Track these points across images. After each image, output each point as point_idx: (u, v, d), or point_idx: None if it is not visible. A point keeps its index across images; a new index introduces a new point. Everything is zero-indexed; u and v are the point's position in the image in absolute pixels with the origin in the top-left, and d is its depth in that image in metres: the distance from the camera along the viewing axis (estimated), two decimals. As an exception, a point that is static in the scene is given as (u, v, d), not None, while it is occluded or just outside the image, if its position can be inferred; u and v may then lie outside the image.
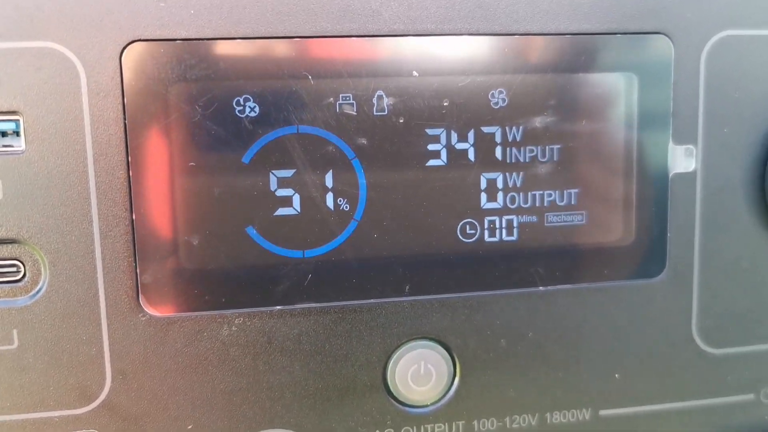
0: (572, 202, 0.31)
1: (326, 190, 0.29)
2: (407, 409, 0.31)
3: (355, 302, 0.29)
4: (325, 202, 0.29)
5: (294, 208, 0.29)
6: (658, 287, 0.31)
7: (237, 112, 0.28)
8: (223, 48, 0.27)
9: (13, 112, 0.26)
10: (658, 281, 0.31)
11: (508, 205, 0.30)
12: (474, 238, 0.30)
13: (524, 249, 0.30)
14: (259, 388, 0.29)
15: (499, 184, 0.30)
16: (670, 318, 0.32)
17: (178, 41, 0.27)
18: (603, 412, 0.32)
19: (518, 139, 0.30)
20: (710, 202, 0.31)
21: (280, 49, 0.28)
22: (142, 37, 0.27)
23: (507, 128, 0.30)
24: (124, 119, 0.27)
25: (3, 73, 0.26)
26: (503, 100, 0.29)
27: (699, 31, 0.30)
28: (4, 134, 0.27)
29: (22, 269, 0.27)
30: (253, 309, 0.29)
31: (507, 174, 0.30)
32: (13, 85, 0.26)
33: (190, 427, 0.29)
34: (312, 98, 0.28)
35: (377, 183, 0.29)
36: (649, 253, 0.31)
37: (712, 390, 0.33)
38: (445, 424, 0.31)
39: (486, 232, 0.30)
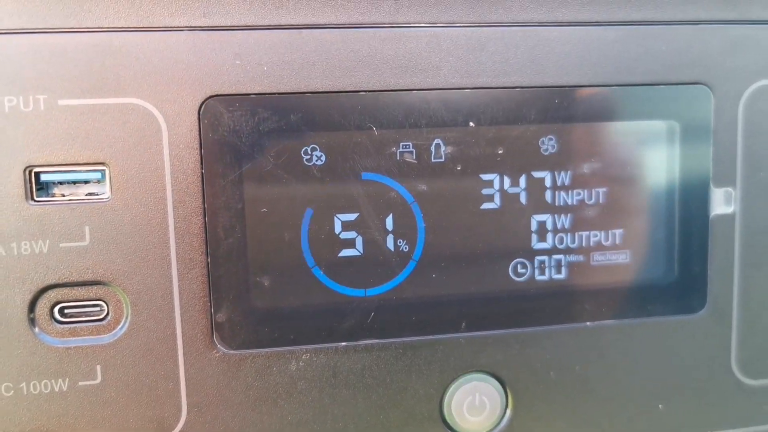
0: (617, 242, 0.32)
1: (387, 232, 0.31)
2: (462, 438, 0.32)
3: (415, 338, 0.31)
4: (385, 243, 0.31)
5: (357, 250, 0.31)
6: (699, 322, 0.33)
7: (305, 161, 0.30)
8: (293, 102, 0.29)
9: (101, 163, 0.28)
10: (699, 317, 0.33)
11: (557, 245, 0.32)
12: (525, 277, 0.32)
13: (572, 287, 0.32)
14: (324, 420, 0.31)
15: (549, 226, 0.32)
16: (710, 351, 0.33)
17: (252, 96, 0.29)
18: (647, 441, 0.34)
19: (567, 183, 0.32)
20: (748, 242, 0.33)
21: (346, 102, 0.30)
22: (219, 93, 0.29)
23: (556, 173, 0.31)
24: (202, 169, 0.29)
25: (91, 127, 0.28)
26: (553, 146, 0.31)
27: (737, 81, 0.32)
28: (88, 182, 0.29)
29: (106, 309, 0.29)
30: (320, 345, 0.31)
31: (556, 216, 0.32)
32: (100, 138, 0.28)
33: (259, 456, 0.31)
34: (375, 147, 0.30)
35: (435, 226, 0.31)
36: (691, 290, 0.33)
37: (751, 419, 0.34)
38: (497, 453, 0.33)
39: (536, 271, 0.32)
